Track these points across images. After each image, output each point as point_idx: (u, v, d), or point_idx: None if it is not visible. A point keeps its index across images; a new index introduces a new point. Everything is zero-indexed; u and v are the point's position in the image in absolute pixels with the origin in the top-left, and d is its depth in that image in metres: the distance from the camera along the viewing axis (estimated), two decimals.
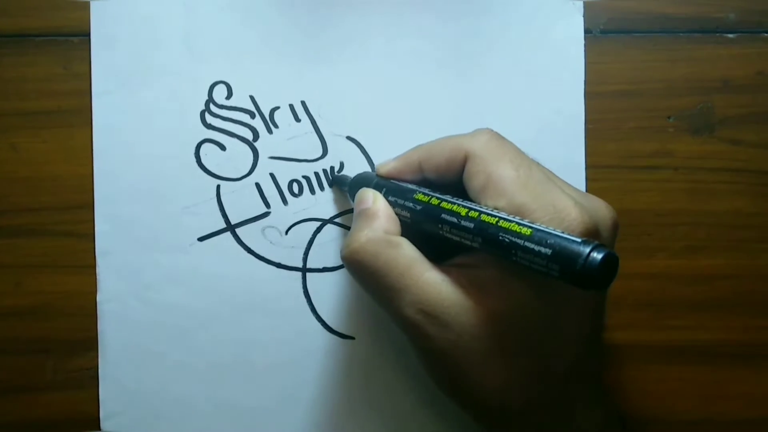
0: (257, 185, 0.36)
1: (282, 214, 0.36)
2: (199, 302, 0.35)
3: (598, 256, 0.23)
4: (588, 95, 0.36)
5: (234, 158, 0.36)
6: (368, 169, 0.36)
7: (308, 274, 0.36)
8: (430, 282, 0.27)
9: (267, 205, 0.36)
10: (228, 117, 0.36)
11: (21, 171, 0.36)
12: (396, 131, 0.36)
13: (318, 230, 0.36)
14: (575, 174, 0.36)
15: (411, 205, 0.29)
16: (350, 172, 0.36)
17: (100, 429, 0.36)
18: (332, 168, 0.36)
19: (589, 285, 0.23)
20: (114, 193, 0.35)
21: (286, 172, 0.36)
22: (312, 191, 0.36)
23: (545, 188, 0.27)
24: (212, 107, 0.35)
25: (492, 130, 0.30)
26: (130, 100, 0.35)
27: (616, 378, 0.36)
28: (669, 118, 0.36)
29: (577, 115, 0.36)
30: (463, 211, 0.27)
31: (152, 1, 0.35)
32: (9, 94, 0.36)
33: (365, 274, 0.29)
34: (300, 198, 0.36)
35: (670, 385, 0.36)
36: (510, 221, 0.26)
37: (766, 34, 0.36)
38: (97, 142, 0.35)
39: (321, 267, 0.36)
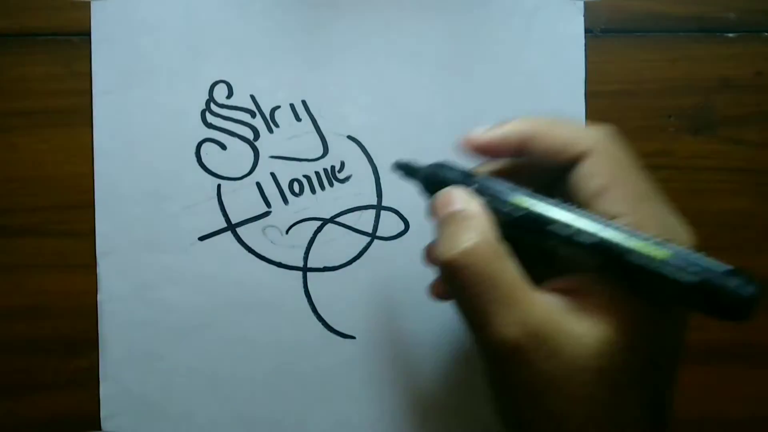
0: (258, 185, 0.36)
1: (282, 213, 0.36)
2: (199, 302, 0.35)
3: (749, 288, 0.21)
4: (588, 95, 0.36)
5: (235, 157, 0.36)
6: (369, 168, 0.36)
7: (309, 274, 0.36)
8: (539, 302, 0.24)
9: (267, 204, 0.36)
10: (229, 116, 0.36)
11: (21, 171, 0.36)
12: (396, 131, 0.36)
13: (319, 230, 0.36)
14: None
15: (509, 210, 0.25)
16: (351, 171, 0.36)
17: (100, 429, 0.35)
18: (333, 167, 0.36)
19: (735, 317, 0.22)
20: (114, 193, 0.35)
21: (286, 172, 0.36)
22: (313, 191, 0.36)
23: (660, 204, 0.25)
24: (213, 106, 0.35)
25: (613, 130, 0.27)
26: (131, 99, 0.35)
27: None
28: (669, 117, 0.36)
29: (577, 115, 0.36)
30: (578, 225, 0.24)
31: (153, 0, 0.36)
32: (9, 93, 0.36)
33: (470, 283, 0.24)
34: (301, 197, 0.36)
35: None
36: (643, 240, 0.23)
37: (766, 34, 0.36)
38: (97, 142, 0.35)
39: (322, 266, 0.36)
